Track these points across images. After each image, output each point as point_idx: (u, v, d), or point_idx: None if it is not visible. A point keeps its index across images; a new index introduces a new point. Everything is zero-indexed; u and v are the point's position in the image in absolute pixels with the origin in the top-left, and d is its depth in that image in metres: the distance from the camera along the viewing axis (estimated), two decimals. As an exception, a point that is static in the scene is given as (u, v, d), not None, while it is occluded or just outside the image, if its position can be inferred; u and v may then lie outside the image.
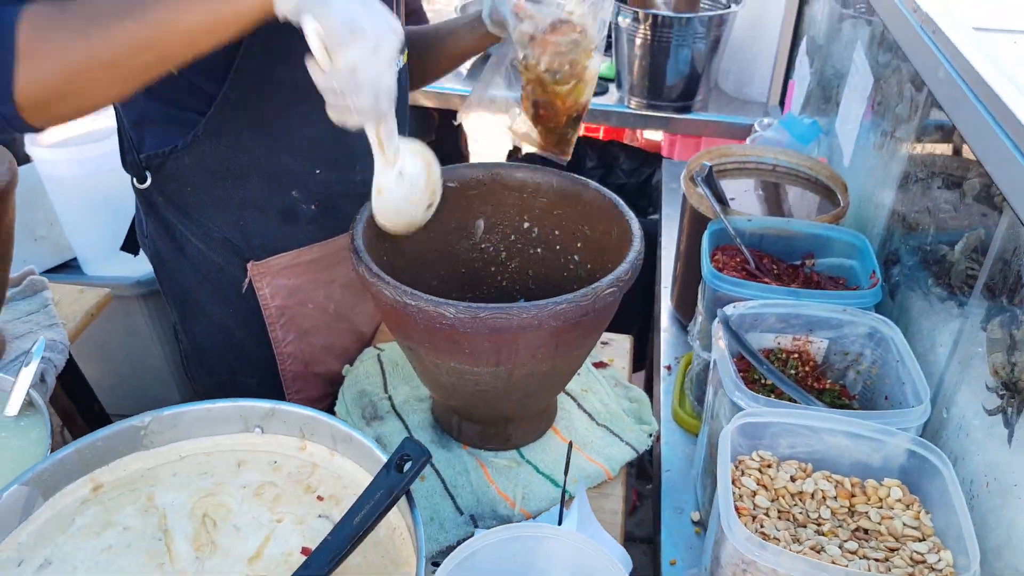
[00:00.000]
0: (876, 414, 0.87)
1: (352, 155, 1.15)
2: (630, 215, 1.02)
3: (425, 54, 1.27)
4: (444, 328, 0.80)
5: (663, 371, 1.37)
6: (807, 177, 1.40)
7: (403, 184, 0.92)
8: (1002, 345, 0.76)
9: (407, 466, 0.72)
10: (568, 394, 1.24)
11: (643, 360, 2.21)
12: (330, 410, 1.14)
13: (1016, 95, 0.70)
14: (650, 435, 1.18)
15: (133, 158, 1.08)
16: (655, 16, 2.05)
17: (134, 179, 1.12)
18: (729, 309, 1.01)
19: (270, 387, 1.26)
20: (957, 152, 0.92)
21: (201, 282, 1.19)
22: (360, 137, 1.15)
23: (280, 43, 0.96)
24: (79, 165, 1.91)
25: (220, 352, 1.23)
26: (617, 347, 1.36)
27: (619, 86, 2.27)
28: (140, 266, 1.79)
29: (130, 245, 1.39)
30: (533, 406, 1.07)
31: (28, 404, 0.90)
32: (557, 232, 1.15)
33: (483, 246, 1.17)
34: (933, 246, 0.97)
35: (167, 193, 1.11)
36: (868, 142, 1.30)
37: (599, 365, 1.32)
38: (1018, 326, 0.74)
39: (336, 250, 1.21)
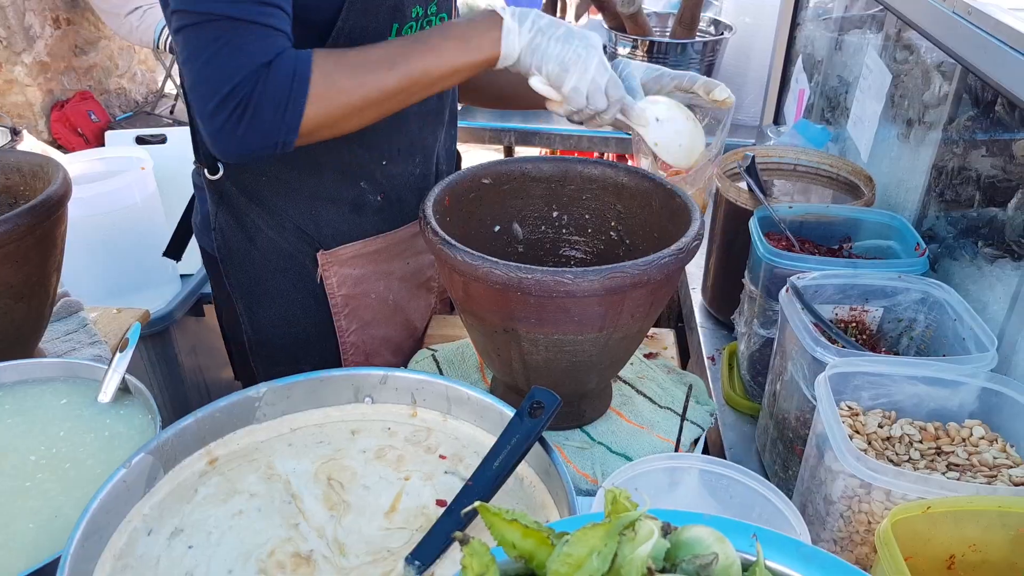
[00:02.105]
0: (950, 359, 0.92)
1: (412, 146, 1.20)
2: (668, 183, 1.07)
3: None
4: (559, 297, 0.83)
5: (707, 362, 1.41)
6: (828, 175, 1.48)
7: (664, 127, 1.05)
8: (1073, 280, 0.82)
9: (540, 413, 0.74)
10: (626, 382, 1.27)
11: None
12: None
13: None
14: (711, 414, 1.22)
15: (207, 149, 1.10)
16: (652, 43, 2.16)
17: (205, 171, 1.14)
18: (796, 279, 1.06)
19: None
20: (1000, 121, 1.00)
21: (271, 272, 1.20)
22: (420, 129, 1.20)
23: (362, 40, 1.01)
24: (78, 206, 1.91)
25: (284, 342, 1.24)
26: (663, 339, 1.40)
27: (617, 113, 2.36)
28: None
29: (173, 251, 1.39)
30: (609, 377, 1.09)
31: (124, 391, 0.89)
32: (587, 216, 1.19)
33: (520, 246, 1.20)
34: (980, 211, 1.04)
35: (241, 183, 1.13)
36: (890, 134, 1.38)
37: (650, 356, 1.36)
38: (1091, 258, 0.80)
39: (397, 241, 1.24)
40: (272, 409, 0.83)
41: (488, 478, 0.71)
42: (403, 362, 1.33)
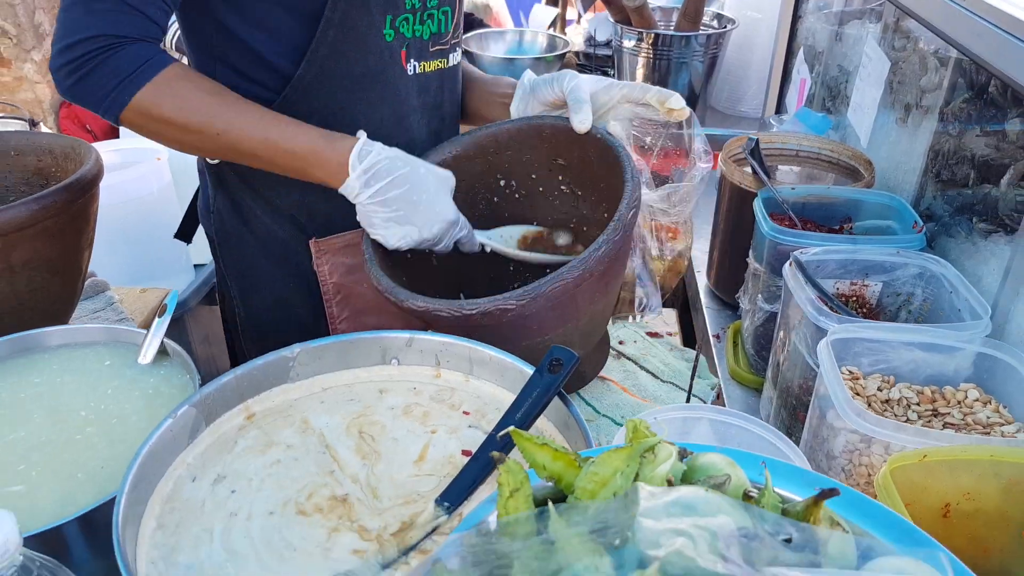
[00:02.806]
0: (946, 325, 0.97)
1: (412, 141, 1.19)
2: (597, 131, 1.05)
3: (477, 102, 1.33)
4: (510, 320, 0.87)
5: (712, 340, 1.46)
6: (829, 160, 1.53)
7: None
8: (1062, 249, 0.87)
9: (559, 369, 0.79)
10: (629, 358, 1.32)
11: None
12: None
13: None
14: (712, 387, 1.27)
15: None
16: (657, 35, 2.21)
17: (206, 156, 1.18)
18: (799, 254, 1.11)
19: None
20: (993, 103, 1.05)
21: (265, 256, 1.24)
22: (419, 123, 1.22)
23: (353, 31, 1.05)
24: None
25: (278, 326, 1.28)
26: (666, 317, 1.45)
27: (622, 106, 2.41)
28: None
29: (183, 234, 1.43)
30: (592, 343, 1.11)
31: (163, 353, 0.94)
32: (534, 176, 1.17)
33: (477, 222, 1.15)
34: (975, 189, 1.09)
35: (238, 169, 1.16)
36: (888, 120, 1.43)
37: (653, 335, 1.40)
38: (1078, 226, 0.85)
39: None
40: (305, 369, 0.88)
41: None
42: None
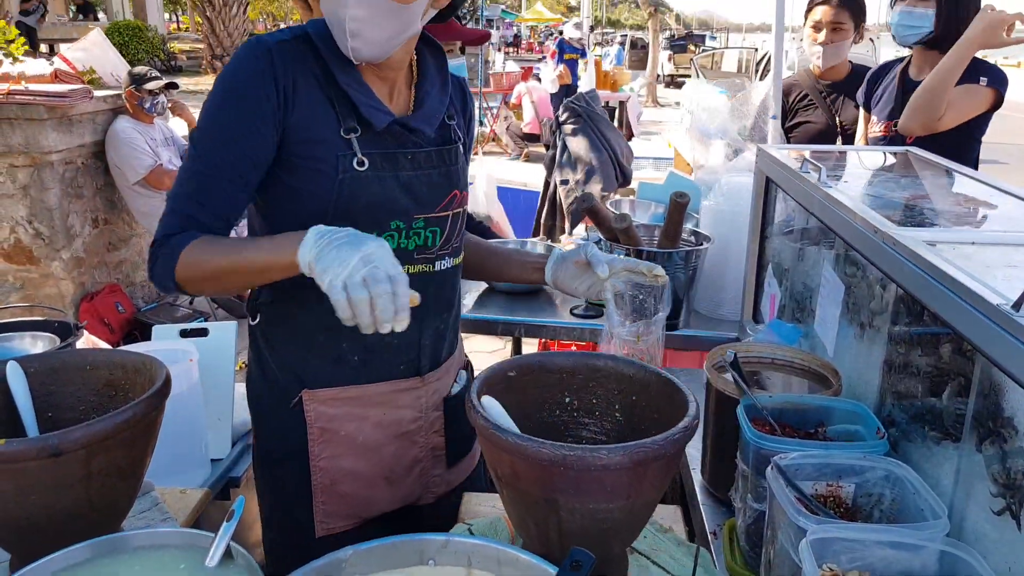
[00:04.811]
0: (909, 526, 1.11)
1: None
2: (664, 374, 1.32)
3: (487, 267, 1.78)
4: (595, 470, 1.03)
5: (710, 537, 1.58)
6: (801, 367, 1.73)
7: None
8: (996, 458, 1.04)
9: (579, 569, 0.93)
10: (642, 553, 1.43)
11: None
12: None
13: (962, 275, 1.05)
14: (714, 583, 1.37)
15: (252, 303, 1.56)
16: (641, 251, 2.50)
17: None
18: (779, 459, 1.27)
19: (306, 493, 1.53)
20: (928, 328, 1.26)
21: (272, 397, 1.54)
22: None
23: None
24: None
25: (277, 457, 1.56)
26: (672, 515, 1.58)
27: (613, 309, 2.66)
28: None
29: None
30: (628, 543, 1.26)
31: (227, 555, 1.06)
32: (594, 401, 1.41)
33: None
34: (923, 400, 1.28)
35: (264, 332, 1.55)
36: (849, 334, 1.65)
37: (664, 531, 1.52)
38: (1004, 440, 1.02)
39: (372, 395, 1.51)
40: (354, 570, 1.01)
41: (540, 623, 0.88)
42: (372, 496, 1.56)
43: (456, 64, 2.59)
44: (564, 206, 4.51)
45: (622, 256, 1.58)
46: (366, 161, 1.37)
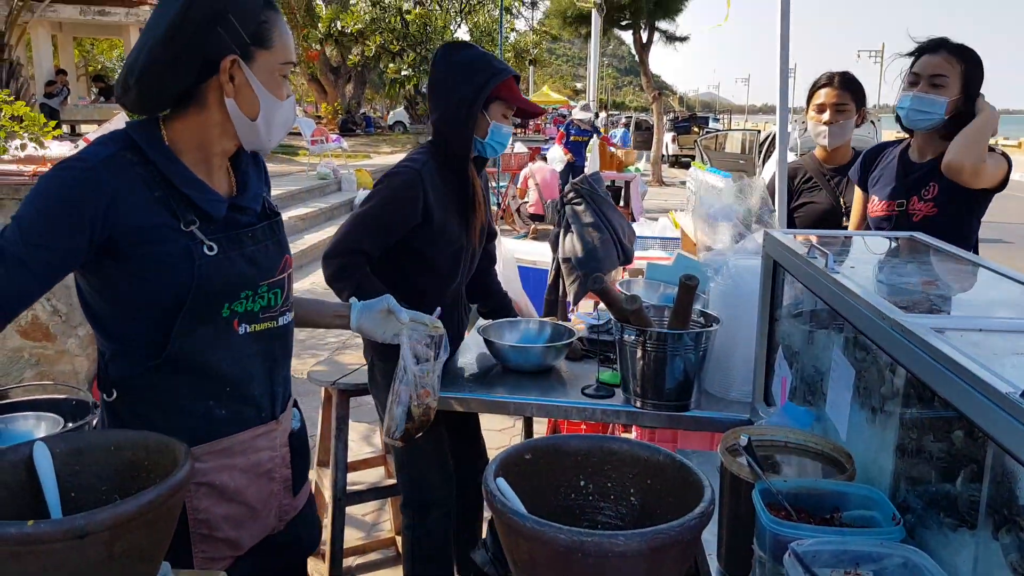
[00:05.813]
0: (932, 617, 1.11)
1: (251, 377, 1.69)
2: (678, 458, 1.32)
3: (298, 316, 1.96)
4: (613, 557, 1.04)
5: (727, 623, 1.55)
6: (814, 451, 1.74)
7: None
8: (1014, 547, 1.05)
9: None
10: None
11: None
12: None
13: (970, 362, 1.08)
14: (734, 674, 1.35)
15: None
16: (652, 332, 2.53)
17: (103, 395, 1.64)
18: (796, 546, 1.27)
19: (186, 547, 1.62)
20: (939, 414, 1.28)
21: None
22: (260, 365, 1.72)
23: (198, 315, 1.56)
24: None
25: None
26: (685, 601, 1.56)
27: (624, 390, 2.68)
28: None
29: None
30: None
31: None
32: (609, 484, 1.42)
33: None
34: (937, 487, 1.29)
35: (125, 404, 1.64)
36: (861, 418, 1.66)
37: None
38: (1021, 528, 1.03)
39: (236, 443, 1.68)
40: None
41: None
42: (241, 536, 1.71)
43: (507, 131, 2.77)
44: (566, 283, 4.58)
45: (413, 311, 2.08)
46: (215, 246, 1.56)
